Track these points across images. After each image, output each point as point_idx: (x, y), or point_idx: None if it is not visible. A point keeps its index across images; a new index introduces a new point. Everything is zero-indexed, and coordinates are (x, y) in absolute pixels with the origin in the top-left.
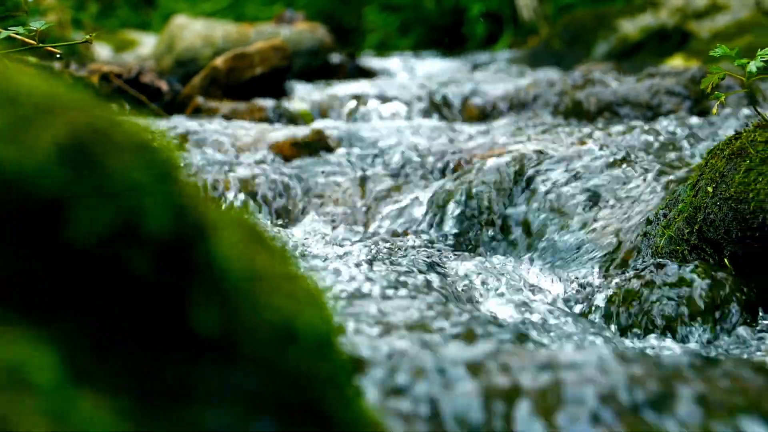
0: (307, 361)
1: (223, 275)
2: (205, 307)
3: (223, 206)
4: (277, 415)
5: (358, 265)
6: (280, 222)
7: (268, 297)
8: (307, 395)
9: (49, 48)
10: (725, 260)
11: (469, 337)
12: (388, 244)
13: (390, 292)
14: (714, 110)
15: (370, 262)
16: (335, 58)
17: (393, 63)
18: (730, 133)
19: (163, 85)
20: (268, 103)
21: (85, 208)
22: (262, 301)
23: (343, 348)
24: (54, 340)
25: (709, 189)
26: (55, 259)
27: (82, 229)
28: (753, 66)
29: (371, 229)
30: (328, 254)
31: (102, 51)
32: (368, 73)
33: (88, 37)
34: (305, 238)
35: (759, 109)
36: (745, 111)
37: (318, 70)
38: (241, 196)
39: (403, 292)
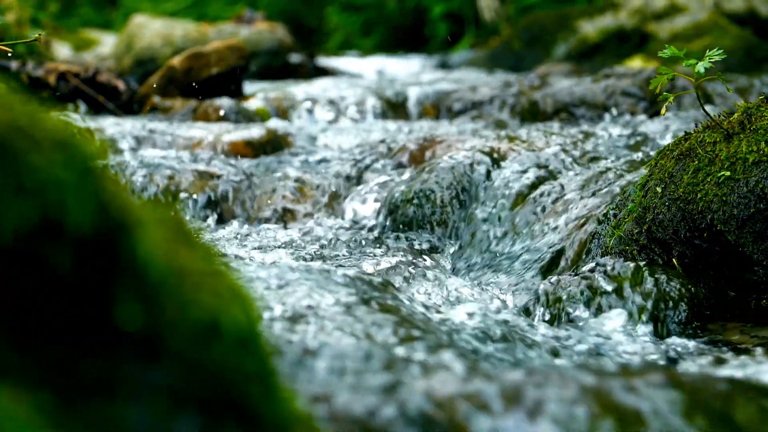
0: (231, 357)
1: (146, 271)
2: (128, 302)
3: (155, 204)
4: (201, 411)
5: (292, 261)
6: (229, 219)
7: (192, 293)
8: (232, 391)
9: (0, 47)
10: (674, 260)
11: (409, 340)
12: (330, 242)
13: (323, 292)
14: (663, 111)
15: (305, 258)
16: (295, 57)
17: (353, 63)
18: (681, 133)
19: (120, 85)
20: (224, 102)
21: (5, 205)
22: (185, 297)
23: (268, 344)
24: None
25: (658, 189)
26: None
27: (2, 226)
28: (701, 67)
29: (318, 226)
30: (265, 252)
31: (62, 50)
32: (328, 73)
33: (38, 35)
34: (251, 236)
35: (707, 110)
36: (696, 111)
37: (278, 69)
38: (194, 195)
39: (339, 290)
